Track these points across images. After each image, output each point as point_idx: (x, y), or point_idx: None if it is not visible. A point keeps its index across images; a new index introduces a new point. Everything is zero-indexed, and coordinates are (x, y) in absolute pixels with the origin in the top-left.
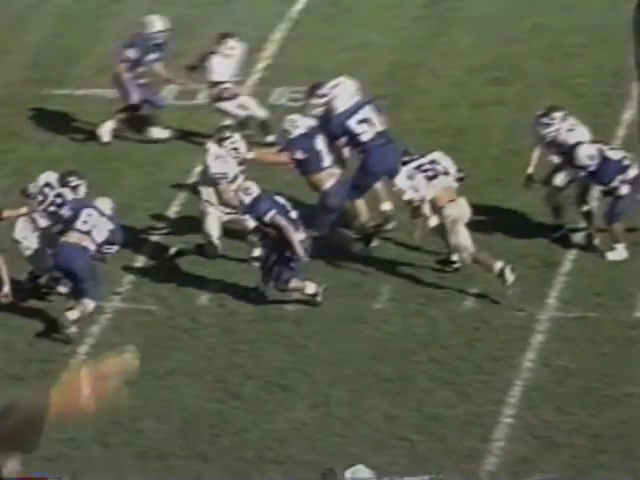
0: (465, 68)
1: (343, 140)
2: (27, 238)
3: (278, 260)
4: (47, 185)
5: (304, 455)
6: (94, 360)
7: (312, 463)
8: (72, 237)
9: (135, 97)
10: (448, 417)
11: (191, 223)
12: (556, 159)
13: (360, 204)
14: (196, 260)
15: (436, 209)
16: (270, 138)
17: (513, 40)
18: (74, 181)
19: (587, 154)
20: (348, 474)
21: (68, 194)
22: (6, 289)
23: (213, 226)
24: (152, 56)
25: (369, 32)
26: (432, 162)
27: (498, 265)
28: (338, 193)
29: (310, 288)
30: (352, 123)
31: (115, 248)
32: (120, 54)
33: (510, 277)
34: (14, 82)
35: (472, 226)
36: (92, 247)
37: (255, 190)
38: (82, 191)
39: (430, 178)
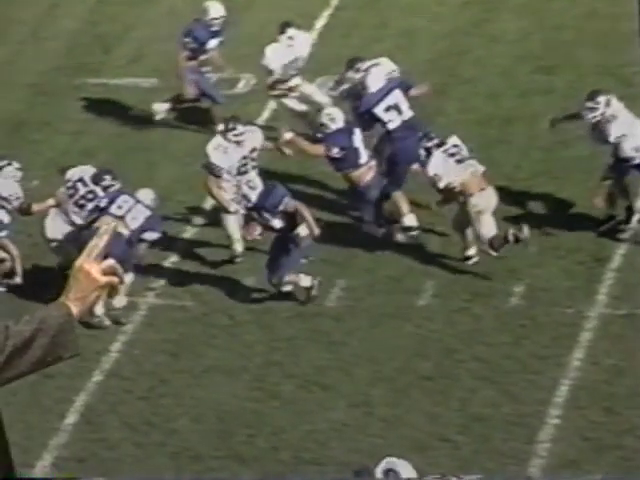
0: (512, 56)
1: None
2: (55, 230)
3: (280, 252)
4: (80, 180)
5: (344, 456)
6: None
7: (352, 465)
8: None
9: (191, 91)
10: (492, 417)
11: None
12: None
13: (399, 196)
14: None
15: (463, 196)
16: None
17: (563, 27)
18: (107, 181)
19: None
20: (383, 464)
21: (100, 192)
22: (18, 280)
23: (233, 225)
24: (212, 43)
25: (414, 19)
26: (456, 145)
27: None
28: (376, 186)
29: (305, 281)
30: (379, 110)
31: (155, 235)
32: (180, 43)
33: (526, 232)
34: (47, 70)
35: (519, 220)
36: (126, 232)
37: (259, 182)
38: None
39: (459, 162)
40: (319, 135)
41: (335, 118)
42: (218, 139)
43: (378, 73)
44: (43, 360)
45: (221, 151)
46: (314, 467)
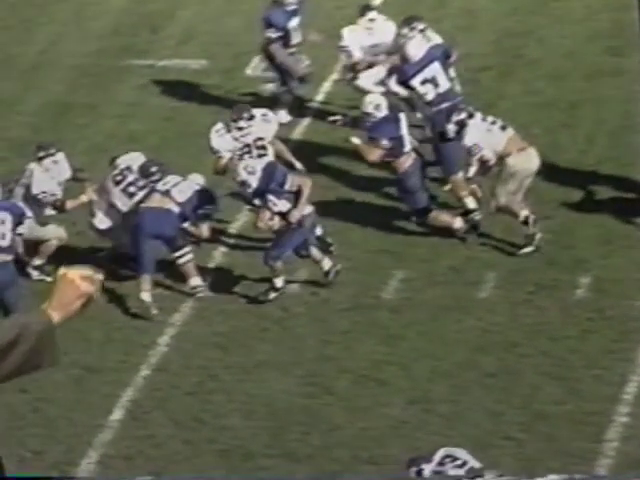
0: (579, 36)
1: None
2: (103, 220)
3: (281, 231)
4: (128, 169)
5: (401, 455)
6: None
7: None
8: (153, 201)
9: (300, 71)
10: (557, 415)
11: None
12: None
13: (457, 179)
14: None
15: (501, 159)
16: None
17: (631, 6)
18: (156, 174)
19: None
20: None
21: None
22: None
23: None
24: (293, 23)
25: None
26: (485, 117)
27: (524, 213)
28: (415, 174)
29: (326, 264)
30: (416, 82)
31: (210, 208)
32: (266, 38)
33: (532, 225)
34: (92, 51)
35: (586, 208)
36: (175, 209)
37: (258, 169)
38: (160, 185)
39: (494, 125)
40: (367, 123)
41: (380, 105)
42: (219, 126)
43: (420, 41)
44: (21, 367)
45: (217, 135)
46: (370, 466)
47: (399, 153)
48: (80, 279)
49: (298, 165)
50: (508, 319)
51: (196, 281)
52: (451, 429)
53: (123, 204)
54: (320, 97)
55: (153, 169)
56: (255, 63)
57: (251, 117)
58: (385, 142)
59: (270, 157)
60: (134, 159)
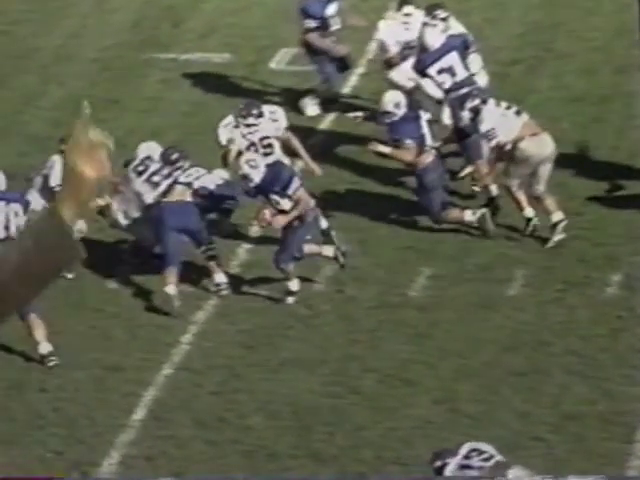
0: (609, 29)
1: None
2: (125, 216)
3: (284, 233)
4: (149, 158)
5: (428, 455)
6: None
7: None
8: (174, 194)
9: (341, 50)
10: (587, 415)
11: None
12: None
13: (481, 165)
14: (312, 240)
15: (515, 143)
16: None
17: None
18: (179, 161)
19: None
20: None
21: (169, 170)
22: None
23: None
24: (330, 10)
25: None
26: (499, 102)
27: (530, 212)
28: (435, 170)
29: (327, 251)
30: (433, 72)
31: (233, 204)
32: (304, 28)
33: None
34: (113, 45)
35: (617, 204)
36: (197, 202)
37: (261, 164)
38: (183, 177)
39: (509, 110)
40: (387, 122)
41: (399, 103)
42: (230, 119)
43: (439, 30)
44: (44, 271)
45: (227, 130)
46: (396, 467)
47: (420, 150)
48: (90, 169)
49: (314, 167)
50: (537, 317)
51: (220, 278)
52: (478, 429)
53: (148, 195)
54: (347, 91)
55: (175, 155)
56: (280, 56)
57: (260, 114)
58: (409, 142)
59: (277, 156)
60: (152, 148)
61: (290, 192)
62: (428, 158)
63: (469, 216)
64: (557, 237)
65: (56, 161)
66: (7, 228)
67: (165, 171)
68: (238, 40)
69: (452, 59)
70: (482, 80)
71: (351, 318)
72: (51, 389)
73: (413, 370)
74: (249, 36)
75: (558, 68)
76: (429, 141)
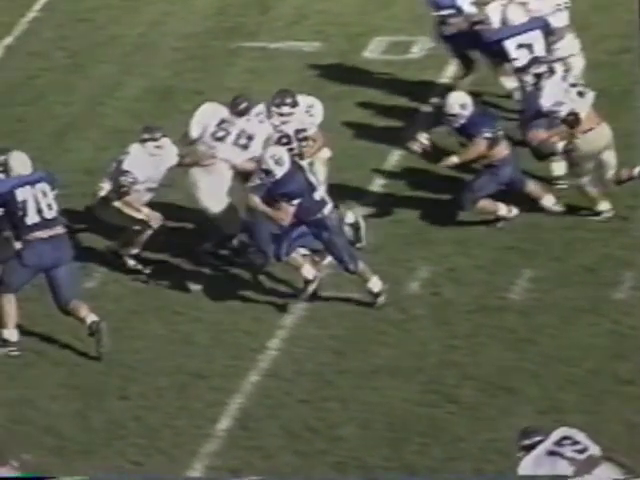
0: None
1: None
2: (218, 201)
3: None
4: (223, 121)
5: None
6: None
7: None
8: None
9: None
10: None
11: (397, 200)
12: None
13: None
14: (406, 239)
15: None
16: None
17: None
18: (250, 108)
19: None
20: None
21: (247, 122)
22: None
23: None
24: None
25: None
26: (566, 76)
27: (605, 206)
28: (510, 164)
29: (308, 272)
30: (510, 44)
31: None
32: (433, 9)
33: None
34: (198, 33)
35: None
36: None
37: (287, 161)
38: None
39: (581, 94)
40: (455, 126)
41: (465, 104)
42: (260, 108)
43: (522, 8)
44: None
45: (256, 121)
46: None
47: (494, 143)
48: None
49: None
50: None
51: (309, 273)
52: None
53: (237, 157)
54: (444, 81)
55: (243, 104)
56: (373, 45)
57: (294, 104)
58: (487, 134)
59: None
60: (217, 111)
61: (295, 202)
62: (505, 150)
63: (504, 210)
64: None
65: (134, 148)
66: (40, 211)
67: (249, 129)
68: (329, 28)
69: (533, 37)
70: (578, 64)
71: (448, 322)
72: (132, 396)
73: (514, 378)
74: (341, 23)
75: None
76: (501, 132)
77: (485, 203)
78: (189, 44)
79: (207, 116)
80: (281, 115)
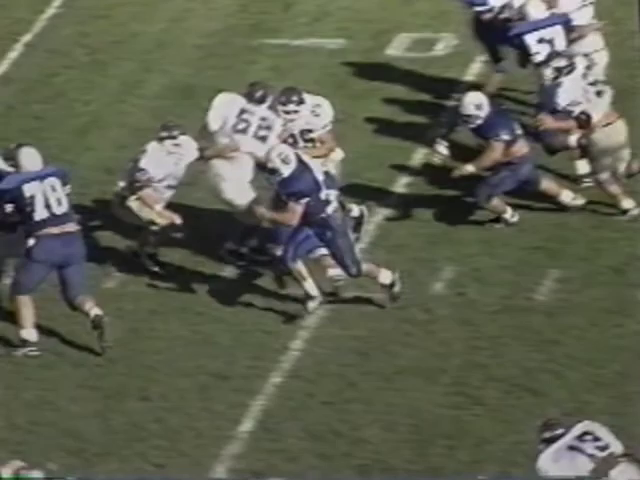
0: None
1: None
2: (243, 194)
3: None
4: (243, 112)
5: None
6: None
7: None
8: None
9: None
10: None
11: (421, 199)
12: None
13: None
14: (431, 238)
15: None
16: None
17: None
18: (267, 96)
19: None
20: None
21: (269, 111)
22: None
23: None
24: None
25: None
26: (586, 74)
27: (628, 203)
28: (530, 161)
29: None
30: (531, 38)
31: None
32: (469, 6)
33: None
34: (220, 30)
35: None
36: None
37: (293, 160)
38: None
39: (599, 94)
40: (471, 127)
41: (481, 104)
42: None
43: (543, 4)
44: None
45: (272, 114)
46: None
47: (512, 142)
48: None
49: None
50: None
51: (335, 271)
52: None
53: (260, 150)
54: (469, 79)
55: (259, 92)
56: (397, 42)
57: (301, 102)
58: (506, 137)
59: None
60: (235, 100)
61: (322, 197)
62: (524, 149)
63: (509, 214)
64: None
65: (152, 146)
66: (48, 206)
67: (269, 119)
68: (353, 24)
69: (555, 32)
70: (601, 60)
71: (473, 323)
72: (153, 398)
73: (540, 379)
74: (365, 20)
75: None
76: (519, 131)
77: (497, 202)
78: (210, 41)
79: (225, 107)
80: (287, 113)
